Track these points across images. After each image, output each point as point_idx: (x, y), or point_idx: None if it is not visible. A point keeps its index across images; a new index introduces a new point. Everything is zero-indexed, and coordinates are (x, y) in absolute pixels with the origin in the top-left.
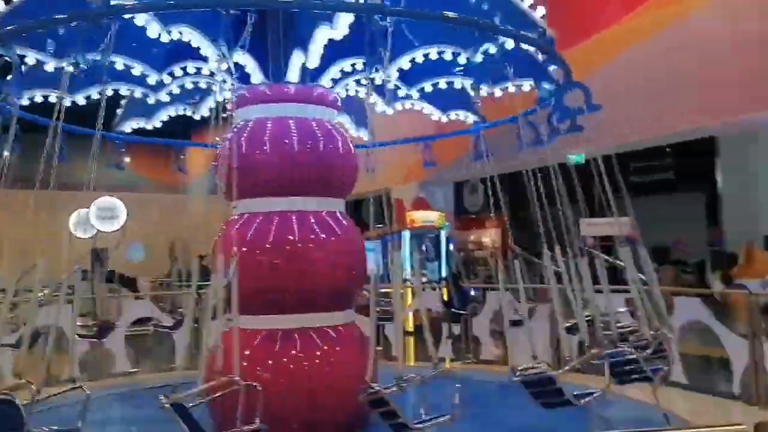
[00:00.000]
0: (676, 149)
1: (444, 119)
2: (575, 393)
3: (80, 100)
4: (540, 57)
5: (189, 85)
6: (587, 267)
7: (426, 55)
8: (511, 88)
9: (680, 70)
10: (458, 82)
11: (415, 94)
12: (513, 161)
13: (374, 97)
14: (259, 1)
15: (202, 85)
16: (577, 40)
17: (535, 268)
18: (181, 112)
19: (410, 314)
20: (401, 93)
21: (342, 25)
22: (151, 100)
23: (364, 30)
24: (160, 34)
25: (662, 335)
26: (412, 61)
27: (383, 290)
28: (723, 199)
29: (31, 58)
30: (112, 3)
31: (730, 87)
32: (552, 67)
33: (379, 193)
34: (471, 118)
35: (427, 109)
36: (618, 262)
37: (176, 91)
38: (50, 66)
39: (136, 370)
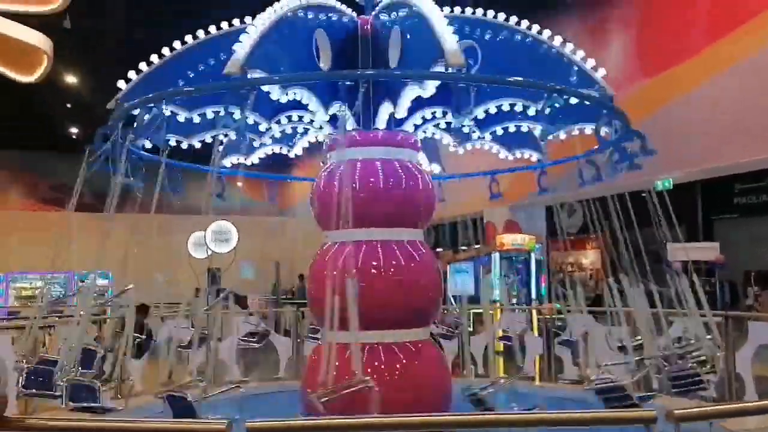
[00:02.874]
0: None
1: (510, 157)
2: (638, 395)
3: (196, 143)
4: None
5: (288, 130)
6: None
7: (499, 106)
8: (574, 132)
9: None
10: (525, 126)
11: (487, 136)
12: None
13: (448, 139)
14: (370, 75)
15: (300, 129)
16: (666, 68)
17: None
18: (276, 151)
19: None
20: (474, 136)
21: (430, 86)
22: (255, 143)
23: (445, 86)
24: (279, 97)
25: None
26: (486, 111)
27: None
28: None
29: (167, 110)
30: (249, 76)
31: None
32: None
33: (472, 217)
34: (535, 156)
35: (495, 148)
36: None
37: (278, 134)
38: (182, 117)
39: (246, 379)
